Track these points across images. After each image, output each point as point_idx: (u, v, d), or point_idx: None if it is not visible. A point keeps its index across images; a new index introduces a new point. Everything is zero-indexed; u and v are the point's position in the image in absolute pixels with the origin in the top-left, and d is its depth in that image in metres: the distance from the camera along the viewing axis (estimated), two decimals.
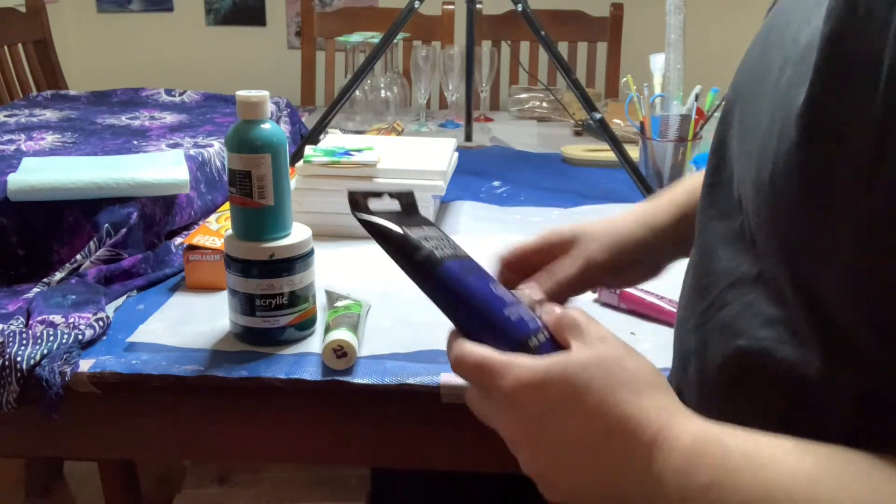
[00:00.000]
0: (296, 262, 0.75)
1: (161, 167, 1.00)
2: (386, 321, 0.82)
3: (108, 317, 0.81)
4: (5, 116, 1.37)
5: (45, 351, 0.73)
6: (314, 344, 0.78)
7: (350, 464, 1.29)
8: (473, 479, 0.90)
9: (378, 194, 0.58)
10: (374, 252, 0.57)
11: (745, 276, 0.47)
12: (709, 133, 0.56)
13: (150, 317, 0.83)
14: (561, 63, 1.34)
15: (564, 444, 0.47)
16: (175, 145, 1.17)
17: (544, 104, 1.96)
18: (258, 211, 0.73)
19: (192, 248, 0.89)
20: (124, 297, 0.88)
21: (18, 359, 0.72)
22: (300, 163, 1.07)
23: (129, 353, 0.76)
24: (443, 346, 0.54)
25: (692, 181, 0.68)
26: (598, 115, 1.32)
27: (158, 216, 0.99)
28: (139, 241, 0.95)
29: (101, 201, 0.93)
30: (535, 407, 0.47)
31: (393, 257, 0.55)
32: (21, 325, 0.79)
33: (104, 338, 0.79)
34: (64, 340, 0.75)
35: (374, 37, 1.76)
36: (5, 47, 2.02)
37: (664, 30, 1.31)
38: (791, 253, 0.42)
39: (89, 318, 0.79)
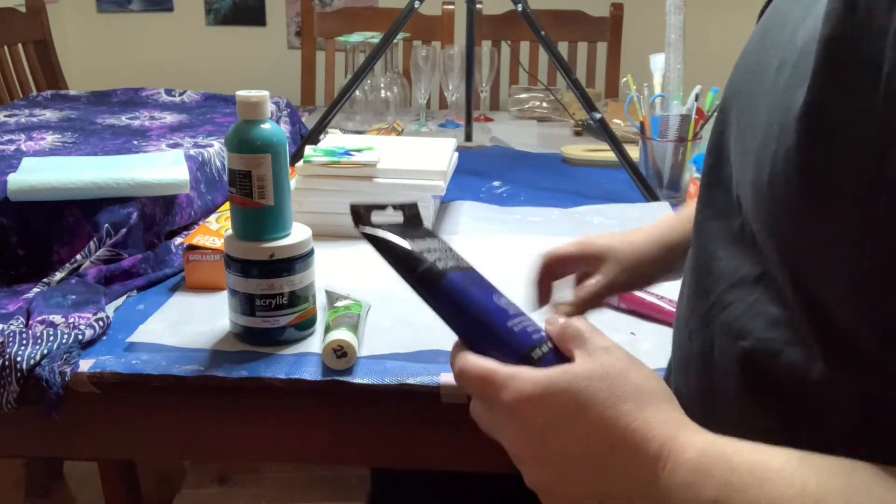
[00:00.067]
0: (296, 262, 0.75)
1: (161, 167, 1.00)
2: (386, 321, 0.82)
3: (108, 317, 0.81)
4: (5, 116, 1.37)
5: (45, 351, 0.73)
6: (314, 344, 0.78)
7: (350, 464, 1.29)
8: (473, 479, 0.90)
9: (381, 206, 0.58)
10: (374, 252, 0.57)
11: (746, 276, 0.47)
12: (708, 133, 0.56)
13: (150, 317, 0.83)
14: (561, 63, 1.34)
15: (568, 457, 0.46)
16: (175, 145, 1.17)
17: (544, 104, 1.96)
18: (258, 211, 0.73)
19: (192, 248, 0.89)
20: (124, 297, 0.88)
21: (18, 359, 0.72)
22: (300, 163, 1.07)
23: (129, 353, 0.76)
24: (443, 347, 0.55)
25: None
26: (598, 115, 1.32)
27: (158, 216, 0.99)
28: (139, 241, 0.95)
29: (101, 201, 0.93)
30: (537, 419, 0.47)
31: (396, 270, 0.55)
32: (21, 325, 0.79)
33: (104, 338, 0.79)
34: (64, 340, 0.75)
35: (374, 37, 1.76)
36: (5, 47, 2.02)
37: (664, 30, 1.31)
38: (790, 254, 0.41)
39: (89, 318, 0.79)
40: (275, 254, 0.74)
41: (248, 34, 3.09)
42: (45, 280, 0.89)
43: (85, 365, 0.73)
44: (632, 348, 0.78)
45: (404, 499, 1.00)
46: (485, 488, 0.91)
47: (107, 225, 0.92)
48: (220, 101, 1.54)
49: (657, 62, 1.35)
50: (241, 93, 0.72)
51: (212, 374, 0.73)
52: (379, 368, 0.74)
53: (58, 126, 1.30)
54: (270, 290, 0.74)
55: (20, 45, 2.08)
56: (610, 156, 1.37)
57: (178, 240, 1.00)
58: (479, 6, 1.73)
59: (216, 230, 0.92)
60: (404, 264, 0.54)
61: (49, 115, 1.39)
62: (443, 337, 0.53)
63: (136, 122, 1.35)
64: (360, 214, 0.57)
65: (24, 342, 0.74)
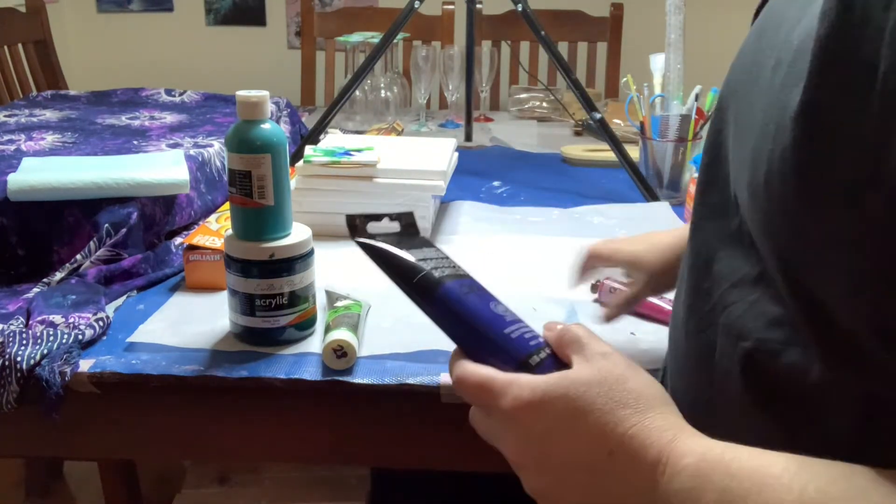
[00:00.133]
0: (296, 262, 0.75)
1: (161, 167, 1.00)
2: (386, 321, 0.82)
3: (108, 317, 0.81)
4: (5, 116, 1.37)
5: (45, 351, 0.73)
6: (314, 344, 0.78)
7: (350, 464, 1.29)
8: (473, 479, 0.90)
9: (377, 216, 0.59)
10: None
11: (746, 276, 0.46)
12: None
13: (150, 317, 0.83)
14: (561, 63, 1.34)
15: (566, 464, 0.46)
16: (175, 145, 1.17)
17: (544, 104, 1.96)
18: (258, 211, 0.73)
19: (192, 248, 0.89)
20: (124, 297, 0.88)
21: (18, 359, 0.72)
22: (300, 163, 1.07)
23: (129, 353, 0.76)
24: (443, 347, 0.55)
25: None
26: (598, 115, 1.32)
27: (158, 216, 0.99)
28: (139, 241, 0.95)
29: (101, 201, 0.93)
30: (536, 426, 0.47)
31: (393, 279, 0.55)
32: (21, 325, 0.79)
33: (104, 338, 0.79)
34: (64, 340, 0.75)
35: (374, 37, 1.76)
36: (5, 47, 2.02)
37: (664, 30, 1.31)
38: (787, 254, 0.41)
39: (89, 318, 0.79)
40: (275, 254, 0.74)
41: (248, 34, 3.09)
42: (45, 280, 0.89)
43: (85, 365, 0.73)
44: (632, 348, 0.79)
45: (404, 499, 1.00)
46: (485, 488, 0.91)
47: (107, 225, 0.92)
48: (220, 101, 1.54)
49: (657, 62, 1.35)
50: (241, 93, 0.72)
51: (212, 374, 0.73)
52: (379, 368, 0.74)
53: (58, 126, 1.30)
54: (270, 290, 0.74)
55: (20, 45, 2.08)
56: (610, 156, 1.37)
57: (178, 240, 1.00)
58: (479, 6, 1.73)
59: (216, 230, 0.92)
60: (401, 274, 0.54)
61: (49, 115, 1.39)
62: (443, 337, 0.53)
63: (136, 122, 1.35)
64: (356, 225, 0.57)
65: (24, 342, 0.74)
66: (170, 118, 1.38)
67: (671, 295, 0.75)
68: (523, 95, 1.99)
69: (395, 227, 0.59)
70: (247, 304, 0.75)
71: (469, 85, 1.67)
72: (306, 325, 0.78)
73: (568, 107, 1.85)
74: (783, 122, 0.39)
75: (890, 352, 0.37)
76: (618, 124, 1.63)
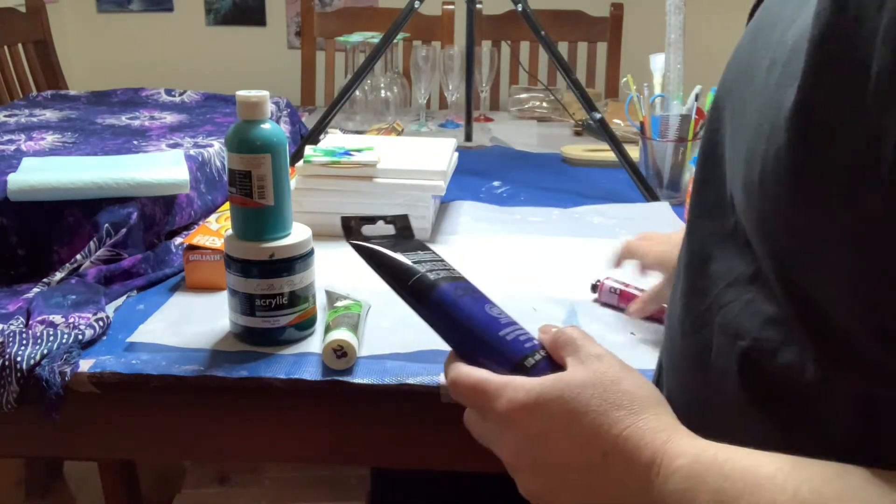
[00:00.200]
0: (296, 262, 0.75)
1: (161, 167, 1.00)
2: (386, 321, 0.82)
3: (108, 317, 0.81)
4: (5, 116, 1.37)
5: (45, 351, 0.73)
6: (314, 344, 0.78)
7: (350, 464, 1.29)
8: (473, 479, 0.90)
9: (372, 219, 0.59)
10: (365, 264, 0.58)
11: (742, 275, 0.47)
12: None
13: (150, 317, 0.83)
14: (561, 63, 1.34)
15: (561, 466, 0.47)
16: (175, 145, 1.17)
17: (544, 104, 1.96)
18: (258, 211, 0.73)
19: (192, 248, 0.89)
20: (124, 297, 0.88)
21: (18, 359, 0.72)
22: (300, 163, 1.07)
23: (129, 353, 0.76)
24: (443, 347, 0.55)
25: None
26: (598, 115, 1.32)
27: (158, 216, 0.99)
28: (139, 241, 0.95)
29: (101, 201, 0.93)
30: (530, 428, 0.47)
31: (388, 282, 0.55)
32: (21, 325, 0.79)
33: (104, 338, 0.79)
34: (64, 340, 0.75)
35: (374, 37, 1.76)
36: (5, 47, 2.02)
37: (664, 30, 1.31)
38: (782, 253, 0.41)
39: (89, 318, 0.79)
40: (275, 254, 0.74)
41: (248, 34, 3.10)
42: (45, 280, 0.89)
43: (85, 365, 0.73)
44: (632, 348, 0.79)
45: (404, 499, 1.00)
46: (485, 488, 0.91)
47: (107, 225, 0.92)
48: (220, 101, 1.54)
49: (657, 62, 1.35)
50: (241, 93, 0.72)
51: (212, 374, 0.72)
52: (379, 368, 0.74)
53: (58, 126, 1.30)
54: (270, 290, 0.74)
55: (20, 45, 2.08)
56: (610, 156, 1.37)
57: (178, 240, 1.00)
58: (479, 6, 1.73)
59: (216, 230, 0.92)
60: (395, 276, 0.55)
61: (49, 115, 1.39)
62: None
63: (136, 122, 1.35)
64: (351, 228, 0.57)
65: (24, 342, 0.74)
66: (170, 118, 1.38)
67: None
68: (523, 95, 1.99)
69: (389, 229, 0.59)
70: (247, 304, 0.75)
71: (469, 85, 1.67)
72: (306, 325, 0.78)
73: (568, 107, 1.85)
74: (777, 121, 0.39)
75: (885, 351, 0.37)
76: (618, 124, 1.63)
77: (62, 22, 2.93)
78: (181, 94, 1.56)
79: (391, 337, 0.79)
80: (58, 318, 0.78)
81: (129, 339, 0.78)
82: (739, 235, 0.47)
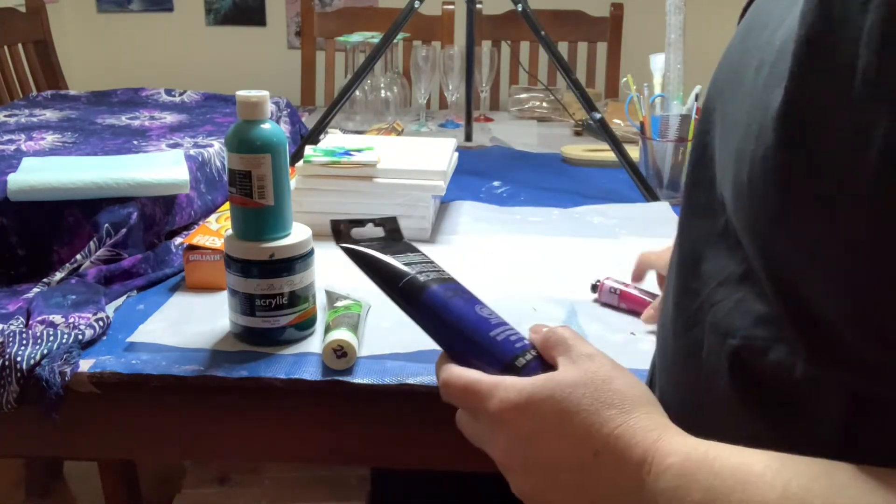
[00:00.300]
0: (296, 262, 0.75)
1: (161, 167, 1.00)
2: (386, 321, 0.82)
3: (108, 317, 0.81)
4: (5, 116, 1.37)
5: (45, 351, 0.73)
6: (314, 344, 0.78)
7: (350, 464, 1.29)
8: (473, 479, 0.90)
9: (361, 222, 0.59)
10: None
11: (732, 274, 0.47)
12: None
13: (150, 317, 0.83)
14: (561, 63, 1.34)
15: (553, 465, 0.47)
16: (175, 145, 1.17)
17: (544, 104, 1.96)
18: (258, 211, 0.73)
19: (192, 248, 0.89)
20: (124, 297, 0.88)
21: (18, 359, 0.72)
22: (300, 163, 1.07)
23: (129, 353, 0.76)
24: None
25: None
26: (598, 115, 1.32)
27: (158, 216, 0.99)
28: (139, 241, 0.95)
29: (101, 201, 0.93)
30: (522, 428, 0.47)
31: (377, 284, 0.55)
32: (21, 325, 0.79)
33: (104, 338, 0.79)
34: (64, 340, 0.75)
35: (374, 37, 1.76)
36: (5, 47, 2.02)
37: (664, 30, 1.31)
38: (771, 252, 0.42)
39: (89, 318, 0.79)
40: (275, 254, 0.74)
41: (248, 34, 3.09)
42: (45, 280, 0.89)
43: (85, 365, 0.73)
44: (632, 348, 0.79)
45: (404, 499, 1.00)
46: (485, 488, 0.91)
47: (107, 225, 0.92)
48: (220, 101, 1.54)
49: (657, 62, 1.35)
50: (241, 93, 0.72)
51: (212, 374, 0.73)
52: (379, 368, 0.74)
53: (58, 126, 1.30)
54: (270, 290, 0.74)
55: (20, 45, 2.08)
56: (610, 156, 1.37)
57: (178, 240, 1.00)
58: (479, 6, 1.73)
59: (216, 230, 0.92)
60: (385, 279, 0.55)
61: (49, 115, 1.39)
62: None
63: (136, 122, 1.35)
64: (340, 231, 0.57)
65: (24, 342, 0.74)
66: (170, 118, 1.38)
67: None
68: (523, 95, 1.99)
69: (379, 232, 0.60)
70: (247, 304, 0.75)
71: (469, 85, 1.67)
72: (306, 325, 0.78)
73: (568, 107, 1.85)
74: (765, 122, 0.39)
75: (875, 349, 0.37)
76: (618, 124, 1.63)
77: (62, 22, 2.93)
78: (181, 94, 1.56)
79: (391, 337, 0.79)
80: (58, 318, 0.78)
81: (129, 339, 0.78)
82: (730, 235, 0.47)
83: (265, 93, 0.73)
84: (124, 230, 0.92)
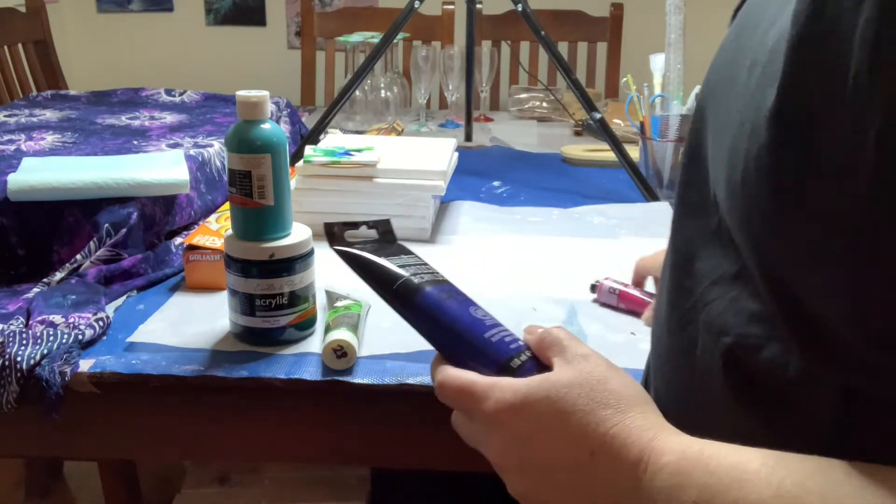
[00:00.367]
0: (296, 262, 0.75)
1: (161, 167, 1.00)
2: (386, 321, 0.82)
3: (108, 317, 0.81)
4: (5, 116, 1.37)
5: (45, 351, 0.73)
6: (314, 344, 0.78)
7: (350, 464, 1.29)
8: (473, 479, 0.90)
9: (355, 224, 0.59)
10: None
11: (726, 273, 0.47)
12: None
13: (150, 317, 0.83)
14: (561, 63, 1.34)
15: (549, 465, 0.47)
16: (175, 145, 1.17)
17: (544, 104, 1.96)
18: (258, 211, 0.73)
19: (192, 248, 0.89)
20: (124, 297, 0.88)
21: (18, 359, 0.72)
22: (300, 163, 1.07)
23: (129, 353, 0.76)
24: None
25: None
26: (598, 115, 1.32)
27: (158, 216, 0.99)
28: (139, 241, 0.95)
29: (101, 201, 0.93)
30: (518, 429, 0.47)
31: (372, 287, 0.55)
32: (21, 325, 0.79)
33: (104, 338, 0.79)
34: (64, 340, 0.75)
35: (374, 37, 1.76)
36: (5, 47, 2.02)
37: (664, 30, 1.31)
38: (765, 251, 0.42)
39: (89, 318, 0.79)
40: (275, 254, 0.74)
41: (248, 34, 3.10)
42: (45, 280, 0.89)
43: (85, 365, 0.73)
44: (632, 348, 0.79)
45: (404, 499, 1.00)
46: (485, 488, 0.91)
47: (107, 225, 0.92)
48: (220, 101, 1.54)
49: (657, 62, 1.36)
50: (241, 93, 0.72)
51: (212, 374, 0.73)
52: (379, 368, 0.74)
53: (58, 126, 1.30)
54: (270, 290, 0.74)
55: (20, 45, 2.08)
56: (610, 156, 1.37)
57: (178, 240, 1.00)
58: (479, 6, 1.73)
59: (216, 230, 0.92)
60: (380, 281, 0.55)
61: (49, 115, 1.39)
62: None
63: (136, 122, 1.35)
64: (334, 233, 0.57)
65: (24, 342, 0.74)
66: (170, 118, 1.38)
67: None
68: (523, 95, 1.99)
69: (372, 234, 0.60)
70: (247, 304, 0.75)
71: (469, 85, 1.67)
72: (306, 325, 0.78)
73: (568, 107, 1.85)
74: (758, 122, 0.39)
75: (869, 347, 0.37)
76: (618, 124, 1.63)
77: (62, 22, 2.93)
78: (181, 94, 1.56)
79: (391, 337, 0.79)
80: (58, 318, 0.78)
81: (129, 339, 0.78)
82: (723, 234, 0.47)
83: (265, 93, 0.73)
84: (124, 230, 0.92)
